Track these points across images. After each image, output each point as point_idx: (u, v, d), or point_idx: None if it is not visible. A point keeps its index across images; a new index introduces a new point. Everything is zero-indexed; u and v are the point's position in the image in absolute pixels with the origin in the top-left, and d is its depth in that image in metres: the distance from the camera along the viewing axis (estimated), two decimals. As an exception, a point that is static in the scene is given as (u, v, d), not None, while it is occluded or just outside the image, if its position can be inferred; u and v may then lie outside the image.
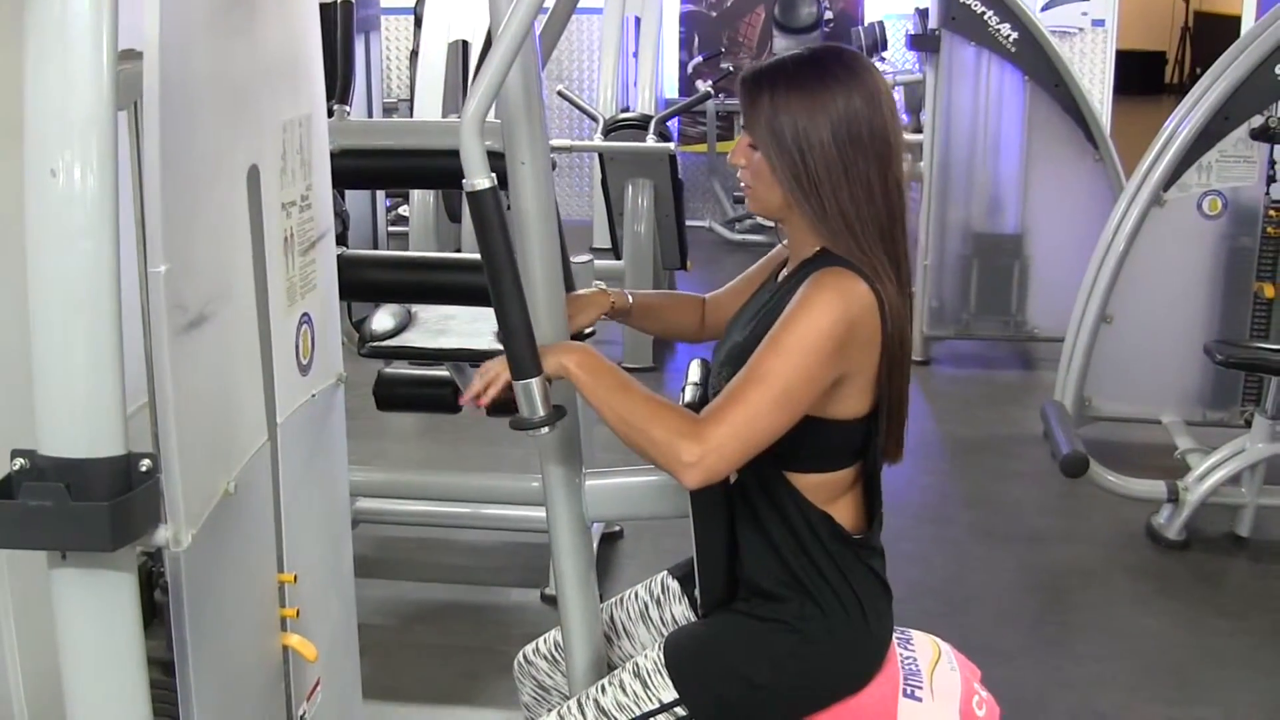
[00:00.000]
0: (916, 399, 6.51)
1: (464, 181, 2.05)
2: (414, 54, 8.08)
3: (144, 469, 2.05)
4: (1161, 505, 4.83)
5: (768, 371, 2.08)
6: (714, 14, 10.24)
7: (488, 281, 2.13)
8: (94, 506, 1.95)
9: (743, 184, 2.32)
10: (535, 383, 2.14)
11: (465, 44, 6.58)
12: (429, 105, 6.43)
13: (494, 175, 2.06)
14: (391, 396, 4.56)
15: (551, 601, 2.52)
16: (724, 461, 2.07)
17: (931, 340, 6.95)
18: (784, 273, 2.38)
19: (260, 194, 2.32)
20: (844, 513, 2.29)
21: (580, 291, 2.59)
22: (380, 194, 6.82)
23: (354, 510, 4.46)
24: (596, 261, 5.16)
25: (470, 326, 4.36)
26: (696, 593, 2.40)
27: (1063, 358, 5.44)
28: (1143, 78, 16.29)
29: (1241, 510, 4.82)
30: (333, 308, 2.76)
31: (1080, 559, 4.74)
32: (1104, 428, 5.48)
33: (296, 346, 2.51)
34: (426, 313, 4.48)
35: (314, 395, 2.62)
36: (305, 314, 2.55)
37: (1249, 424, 4.83)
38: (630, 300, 2.63)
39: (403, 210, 7.78)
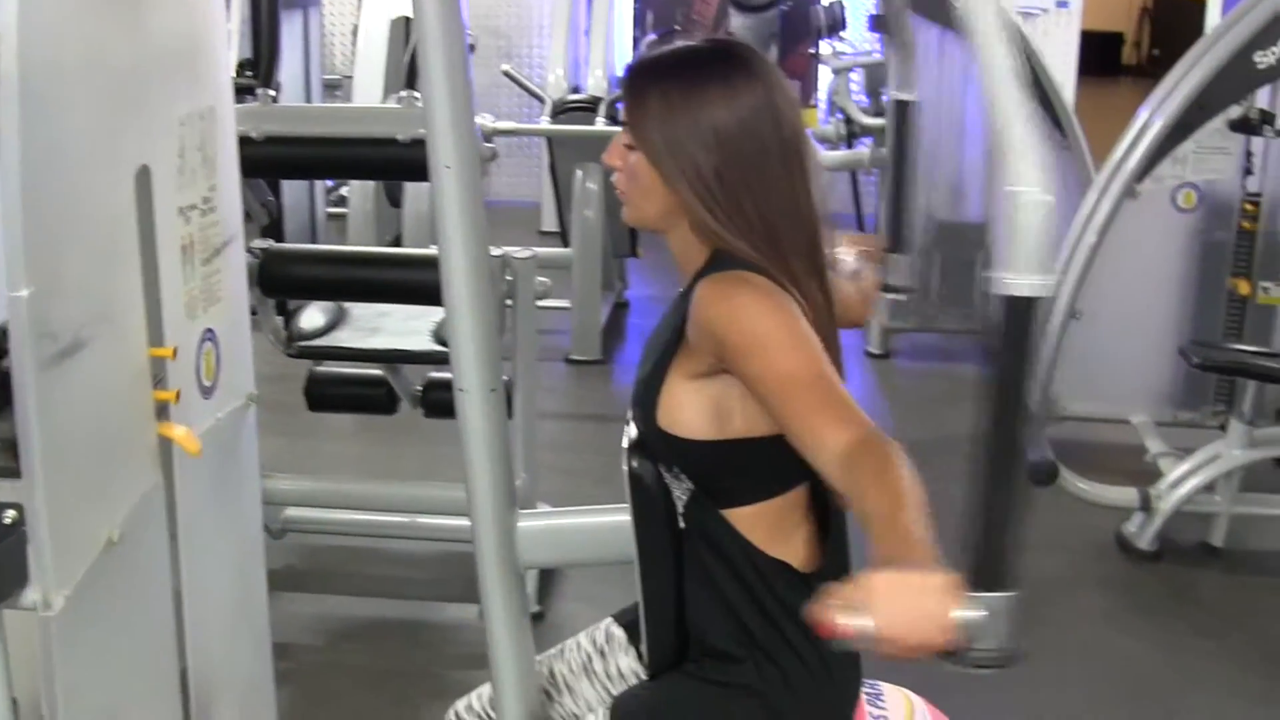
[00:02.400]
0: (874, 395, 6.32)
1: None
2: (357, 29, 7.77)
3: (8, 521, 1.79)
4: (1132, 513, 4.61)
5: (788, 374, 1.79)
6: (668, -11, 9.97)
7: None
8: (-57, 569, 1.71)
9: (618, 190, 2.03)
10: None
11: (408, 20, 6.30)
12: (369, 84, 6.17)
13: None
14: (323, 396, 4.29)
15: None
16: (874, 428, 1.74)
17: (891, 332, 6.73)
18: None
19: (152, 198, 2.06)
20: (799, 550, 2.03)
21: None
22: (318, 176, 6.56)
23: (282, 519, 4.20)
24: (543, 250, 4.90)
25: (404, 325, 4.11)
26: (643, 648, 2.15)
27: (1029, 355, 5.21)
28: (1101, 59, 16.09)
29: (1216, 519, 4.61)
30: (242, 320, 2.49)
31: (1048, 570, 4.51)
32: (1070, 427, 5.25)
33: (197, 368, 2.24)
34: (359, 310, 4.22)
35: (219, 419, 2.35)
36: (208, 330, 2.29)
37: (1223, 428, 4.62)
38: None
39: (345, 190, 7.50)
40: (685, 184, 1.93)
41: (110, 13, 1.90)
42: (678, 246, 2.03)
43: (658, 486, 2.01)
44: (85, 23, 1.82)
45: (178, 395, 2.14)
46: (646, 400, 1.99)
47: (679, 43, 2.01)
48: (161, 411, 2.12)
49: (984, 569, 1.55)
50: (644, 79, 1.97)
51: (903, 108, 6.02)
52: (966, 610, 1.47)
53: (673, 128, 1.92)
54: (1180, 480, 4.55)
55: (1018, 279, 1.43)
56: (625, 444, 2.08)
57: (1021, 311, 1.46)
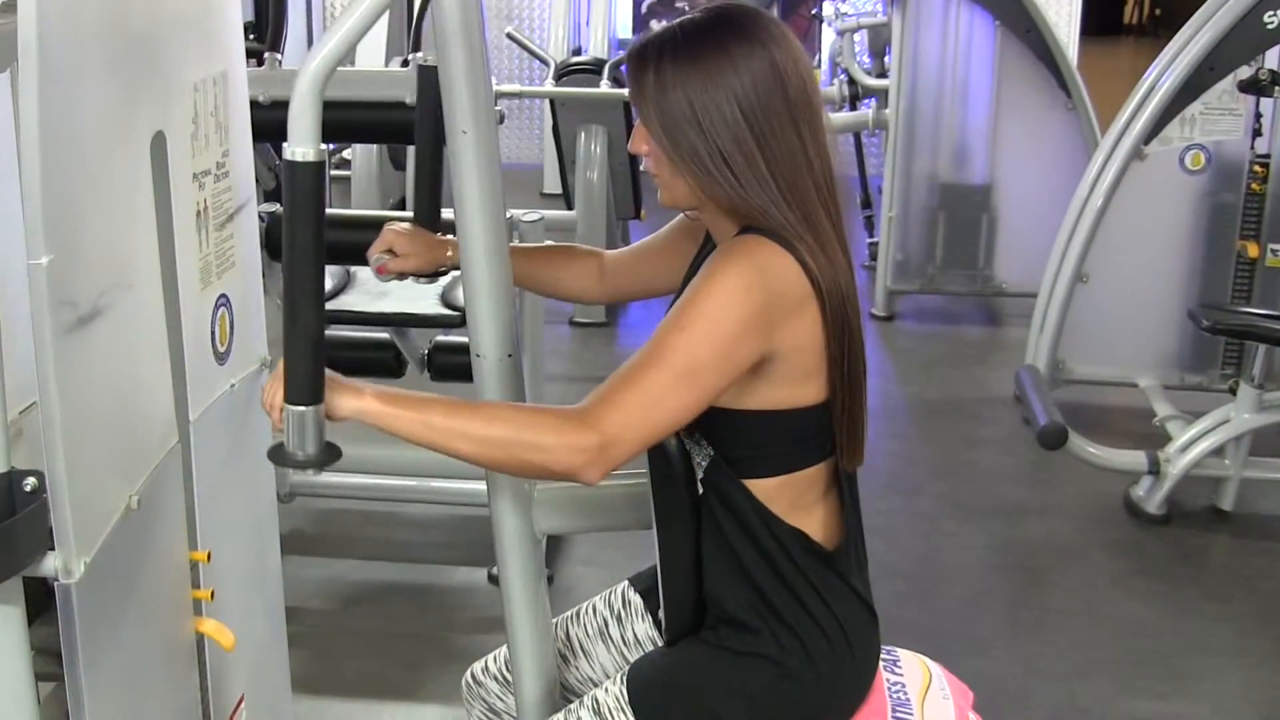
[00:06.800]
0: (879, 357, 6.32)
1: (285, 147, 1.67)
2: (357, -10, 7.72)
3: (28, 488, 1.79)
4: (1141, 477, 4.61)
5: (669, 348, 1.82)
6: (669, -50, 9.91)
7: (284, 272, 1.75)
8: (-36, 537, 1.70)
9: (650, 174, 2.01)
10: (311, 412, 1.80)
11: (410, -18, 6.26)
12: (370, 48, 6.13)
13: (324, 148, 1.70)
14: (330, 360, 4.22)
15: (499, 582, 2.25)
16: (625, 453, 1.82)
17: (895, 295, 6.73)
18: None
19: (167, 164, 2.04)
20: (818, 525, 2.02)
21: (414, 230, 2.32)
22: (320, 139, 6.52)
23: (289, 483, 4.18)
24: (548, 213, 4.88)
25: (413, 289, 4.07)
26: (661, 615, 2.15)
27: (1035, 317, 5.20)
28: (1102, 18, 16.02)
29: (1224, 483, 4.61)
30: (255, 284, 2.47)
31: (1056, 535, 4.52)
32: (1077, 390, 5.25)
33: (212, 333, 2.23)
34: (366, 273, 4.19)
35: (233, 385, 2.35)
36: (222, 295, 2.27)
37: (1233, 391, 4.61)
38: None
39: (346, 154, 7.47)
40: (689, 162, 1.90)
41: (126, -24, 1.88)
42: (710, 222, 2.02)
43: (678, 452, 2.00)
44: (101, -14, 1.81)
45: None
46: None
47: (679, 19, 1.98)
48: (179, 379, 2.12)
49: (292, 384, 1.78)
50: (641, 61, 1.93)
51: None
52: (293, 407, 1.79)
53: (670, 108, 1.89)
54: (1189, 444, 4.54)
55: (295, 149, 1.66)
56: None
57: (297, 174, 1.66)
